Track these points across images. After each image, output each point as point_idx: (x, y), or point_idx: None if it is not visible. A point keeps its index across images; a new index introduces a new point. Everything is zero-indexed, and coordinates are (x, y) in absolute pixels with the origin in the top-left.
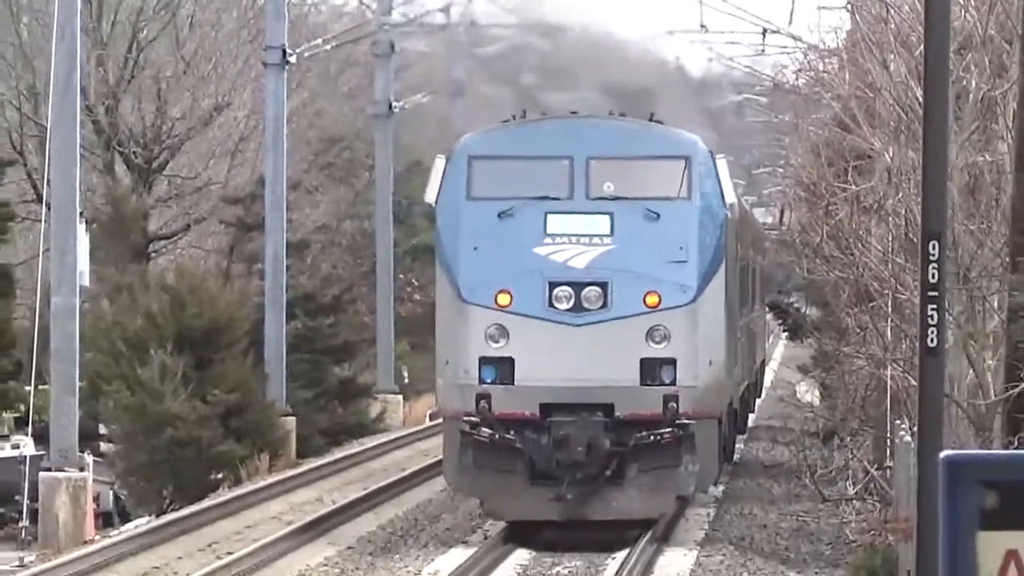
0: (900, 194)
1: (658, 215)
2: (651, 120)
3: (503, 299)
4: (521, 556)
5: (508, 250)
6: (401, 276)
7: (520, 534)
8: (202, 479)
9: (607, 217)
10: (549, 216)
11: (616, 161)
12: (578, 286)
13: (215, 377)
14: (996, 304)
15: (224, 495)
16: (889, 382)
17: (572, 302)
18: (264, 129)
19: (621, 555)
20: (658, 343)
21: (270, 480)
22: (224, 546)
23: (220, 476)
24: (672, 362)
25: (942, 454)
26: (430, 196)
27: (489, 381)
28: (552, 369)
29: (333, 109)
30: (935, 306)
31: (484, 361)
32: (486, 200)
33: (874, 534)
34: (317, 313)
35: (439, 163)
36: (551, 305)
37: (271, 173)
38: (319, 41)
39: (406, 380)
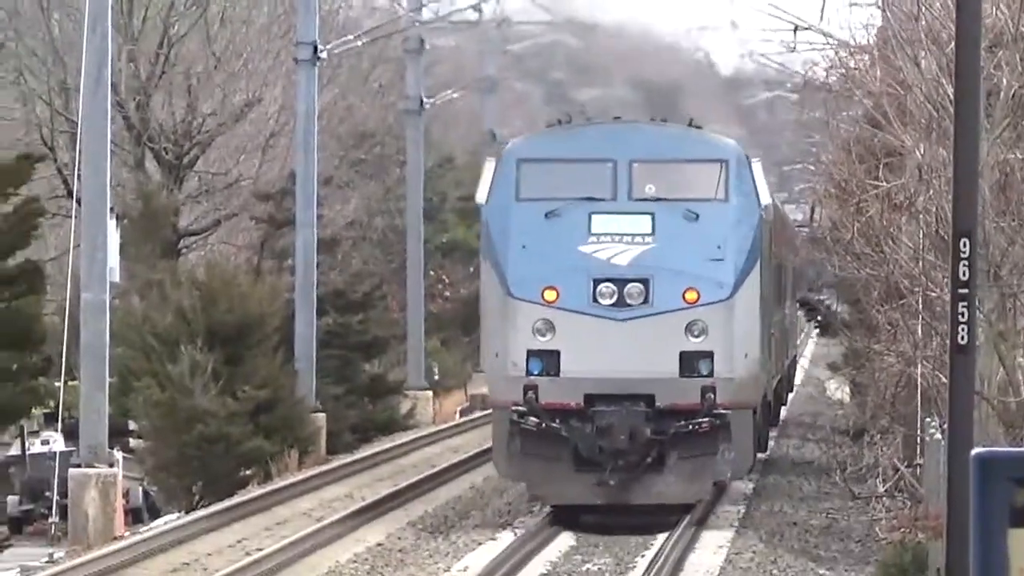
0: (931, 191)
1: (697, 215)
2: (690, 125)
3: (550, 295)
4: (566, 540)
5: (555, 248)
6: (432, 272)
7: (565, 518)
8: (232, 475)
9: (648, 217)
10: (593, 216)
11: (657, 164)
12: (621, 282)
13: (245, 373)
14: None
15: (254, 491)
16: (919, 380)
17: (615, 298)
18: (295, 125)
19: (661, 538)
20: (696, 337)
21: (300, 476)
22: (254, 542)
23: (250, 472)
24: (710, 355)
25: (973, 452)
26: (480, 197)
27: (536, 373)
28: (596, 361)
29: (364, 105)
30: (966, 303)
31: (532, 354)
32: (534, 201)
33: (904, 531)
34: (347, 309)
35: (488, 165)
36: (595, 301)
37: (302, 169)
38: (350, 37)
39: (436, 377)
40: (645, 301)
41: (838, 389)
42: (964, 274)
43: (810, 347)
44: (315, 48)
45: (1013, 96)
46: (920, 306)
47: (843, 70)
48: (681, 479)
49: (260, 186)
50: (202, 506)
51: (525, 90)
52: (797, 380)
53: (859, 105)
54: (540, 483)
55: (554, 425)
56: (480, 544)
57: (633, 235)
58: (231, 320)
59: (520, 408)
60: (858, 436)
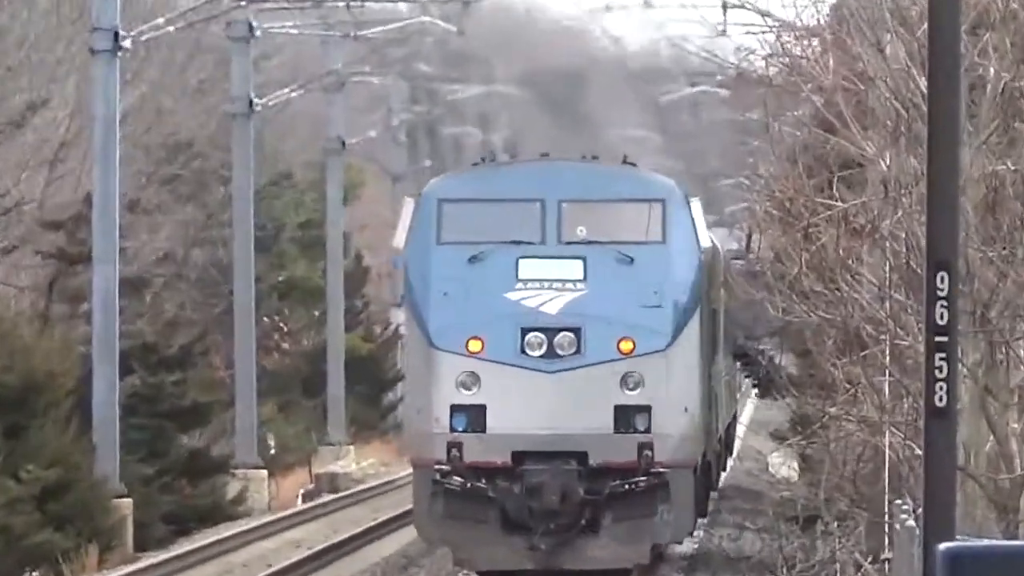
0: (899, 212)
1: (632, 259)
2: (624, 162)
3: (474, 345)
4: None
5: (479, 295)
6: (266, 319)
7: None
8: None
9: (580, 261)
10: (521, 261)
11: (589, 204)
12: (551, 332)
13: (29, 449)
14: (1022, 352)
15: None
16: (887, 451)
17: (545, 348)
18: (91, 133)
19: None
20: (632, 390)
21: None
22: None
23: (37, 574)
24: (647, 409)
25: (941, 546)
26: (398, 241)
27: (460, 429)
28: (525, 416)
29: (179, 108)
30: (944, 355)
31: (455, 409)
32: (456, 244)
33: None
34: (159, 367)
35: (407, 206)
36: (523, 351)
37: (101, 190)
38: (160, 21)
39: (272, 451)
40: (577, 351)
41: (783, 464)
42: (942, 318)
43: (748, 409)
44: (116, 35)
45: (1003, 91)
46: (887, 359)
47: (787, 59)
48: (617, 542)
49: (47, 212)
50: None
51: (383, 88)
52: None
53: (807, 103)
54: (465, 547)
55: (480, 485)
56: None
57: (564, 281)
58: (11, 381)
59: (443, 467)
60: (809, 524)
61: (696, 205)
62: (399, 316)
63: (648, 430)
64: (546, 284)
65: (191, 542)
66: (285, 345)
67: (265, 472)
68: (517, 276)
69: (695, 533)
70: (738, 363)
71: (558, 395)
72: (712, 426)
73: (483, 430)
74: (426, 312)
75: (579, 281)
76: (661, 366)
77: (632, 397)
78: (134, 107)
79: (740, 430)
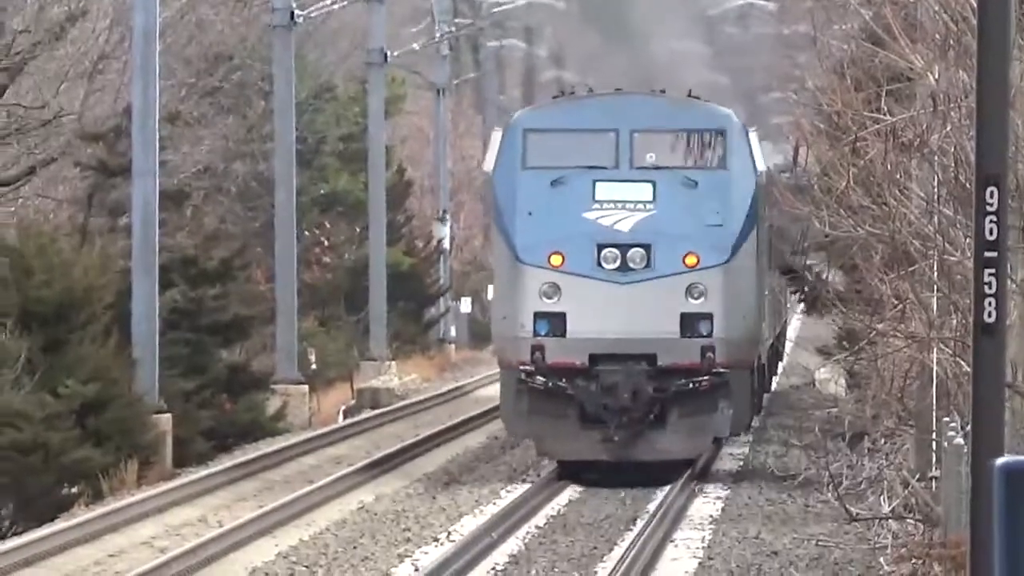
0: (948, 127)
1: (696, 183)
2: (689, 95)
3: (556, 260)
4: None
5: (560, 215)
6: (307, 233)
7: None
8: (52, 494)
9: (650, 185)
10: (597, 184)
11: (657, 133)
12: (624, 248)
13: (69, 364)
14: None
15: (81, 515)
16: (935, 368)
17: (618, 262)
18: (131, 45)
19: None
20: (696, 299)
21: (140, 495)
22: None
23: (76, 490)
24: (709, 316)
25: (998, 461)
26: (487, 166)
27: (543, 334)
28: (600, 323)
29: (219, 19)
30: (993, 270)
31: (539, 316)
32: (539, 169)
33: (916, 562)
34: (200, 281)
35: (495, 135)
36: (599, 265)
37: (140, 101)
38: None
39: (313, 366)
40: (647, 265)
41: (830, 381)
42: (991, 233)
43: (794, 325)
44: None
45: None
46: (936, 274)
47: None
48: (682, 435)
49: (87, 124)
50: (14, 534)
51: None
52: (779, 368)
53: (855, 16)
54: (547, 439)
55: (560, 384)
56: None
57: (635, 202)
58: (50, 296)
59: (527, 368)
60: (856, 441)
61: (753, 135)
62: (442, 230)
63: (710, 335)
64: (619, 205)
65: (231, 458)
66: (326, 259)
67: (306, 388)
68: (594, 198)
69: (743, 448)
70: (785, 278)
71: (630, 304)
72: (766, 333)
73: (563, 335)
74: (513, 230)
75: (649, 202)
76: (722, 278)
77: (696, 306)
78: (174, 18)
79: (787, 346)
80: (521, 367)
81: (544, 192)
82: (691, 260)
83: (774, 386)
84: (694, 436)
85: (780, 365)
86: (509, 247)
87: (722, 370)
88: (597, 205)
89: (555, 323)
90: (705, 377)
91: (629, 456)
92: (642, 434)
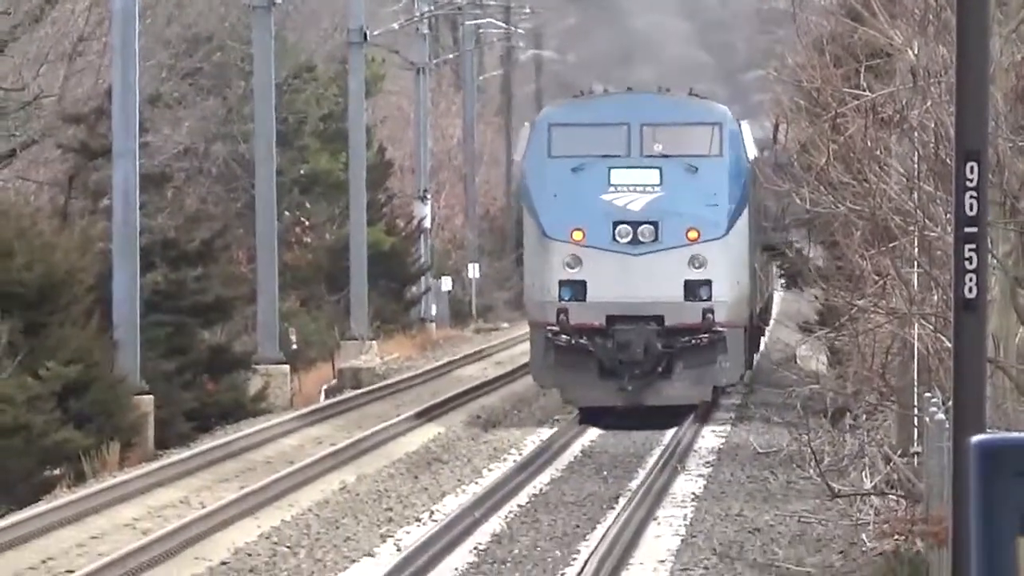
0: (928, 102)
1: (697, 168)
2: (691, 94)
3: (577, 235)
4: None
5: (581, 197)
6: (287, 214)
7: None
8: (34, 476)
9: (657, 171)
10: (612, 170)
11: (663, 126)
12: (635, 224)
13: (50, 346)
14: None
15: (63, 497)
16: (916, 344)
17: (631, 237)
18: (111, 26)
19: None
20: (698, 268)
21: (122, 477)
22: (62, 562)
23: (57, 472)
24: (708, 283)
25: (974, 439)
26: (517, 156)
27: (567, 299)
28: (616, 289)
29: (199, 0)
30: (974, 246)
31: (563, 283)
32: (563, 158)
33: (898, 539)
34: (181, 263)
35: (524, 130)
36: (615, 239)
37: (120, 83)
38: None
39: (294, 347)
40: (655, 239)
41: (812, 357)
42: (972, 208)
43: (775, 301)
44: None
45: None
46: (916, 250)
47: None
48: (687, 384)
49: (67, 105)
50: None
51: None
52: (760, 345)
53: None
54: (570, 389)
55: (582, 341)
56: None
57: (645, 185)
58: (30, 278)
59: (553, 328)
60: (838, 418)
61: (746, 126)
62: (423, 210)
63: (710, 298)
64: (631, 188)
65: (212, 439)
66: (307, 239)
67: (287, 368)
68: (609, 182)
69: (725, 425)
70: (766, 254)
71: (641, 272)
72: (756, 297)
73: (584, 299)
74: (540, 209)
75: (656, 185)
76: (719, 250)
77: (697, 273)
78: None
79: (770, 324)
80: (548, 327)
81: (567, 177)
82: (693, 235)
83: (761, 346)
84: (696, 385)
85: (767, 329)
86: (537, 224)
87: (720, 329)
88: (612, 188)
89: (577, 289)
90: (705, 335)
91: (641, 402)
92: (652, 384)
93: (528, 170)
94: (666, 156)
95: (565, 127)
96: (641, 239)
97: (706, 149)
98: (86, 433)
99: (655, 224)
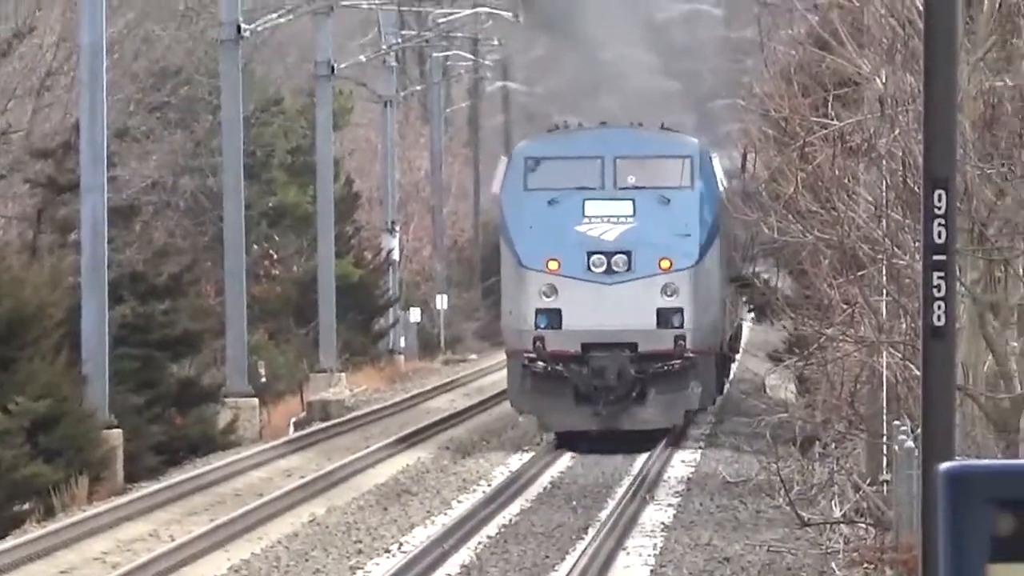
0: (896, 131)
1: (669, 200)
2: (662, 128)
3: (553, 265)
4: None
5: (556, 228)
6: (256, 247)
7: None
8: (3, 510)
9: (630, 202)
10: (586, 202)
11: (636, 159)
12: (609, 254)
13: (19, 380)
14: (1022, 270)
15: (32, 531)
16: (885, 372)
17: (605, 266)
18: (79, 60)
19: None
20: (670, 296)
21: (91, 511)
22: None
23: (27, 507)
24: (680, 311)
25: (942, 466)
26: (495, 188)
27: (543, 327)
28: (591, 317)
29: (167, 34)
30: (942, 274)
31: (539, 312)
32: (539, 191)
33: (868, 567)
34: (149, 296)
35: (501, 163)
36: (589, 269)
37: (88, 117)
38: None
39: (263, 379)
40: (629, 268)
41: (780, 386)
42: (940, 236)
43: (744, 333)
44: None
45: (1000, 6)
46: (885, 278)
47: None
48: (659, 409)
49: (35, 140)
50: None
51: (372, 13)
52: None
53: (802, 21)
54: (547, 414)
55: (557, 368)
56: None
57: (618, 216)
58: (0, 313)
59: (530, 355)
60: (807, 446)
61: (715, 159)
62: (391, 242)
63: (681, 326)
64: (605, 219)
65: (181, 472)
66: (275, 272)
67: (256, 400)
68: (584, 213)
69: (695, 454)
70: (734, 285)
71: (615, 301)
72: (727, 326)
73: (560, 327)
74: (517, 240)
75: (630, 217)
76: (690, 279)
77: (669, 302)
78: (121, 34)
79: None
80: (525, 354)
81: (542, 209)
82: (665, 264)
83: (731, 374)
84: (669, 409)
85: (737, 357)
86: (514, 255)
87: (691, 355)
88: (587, 219)
89: (553, 318)
90: (678, 361)
91: (615, 426)
92: (626, 409)
93: (505, 202)
94: (639, 188)
95: (541, 160)
96: (615, 268)
97: (678, 181)
98: (55, 467)
99: (628, 254)
